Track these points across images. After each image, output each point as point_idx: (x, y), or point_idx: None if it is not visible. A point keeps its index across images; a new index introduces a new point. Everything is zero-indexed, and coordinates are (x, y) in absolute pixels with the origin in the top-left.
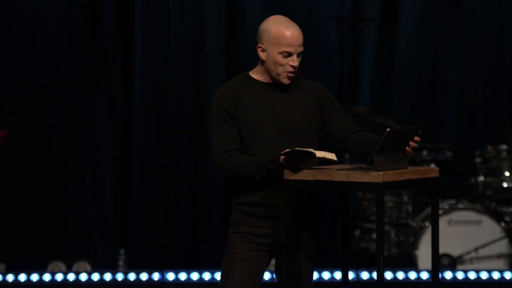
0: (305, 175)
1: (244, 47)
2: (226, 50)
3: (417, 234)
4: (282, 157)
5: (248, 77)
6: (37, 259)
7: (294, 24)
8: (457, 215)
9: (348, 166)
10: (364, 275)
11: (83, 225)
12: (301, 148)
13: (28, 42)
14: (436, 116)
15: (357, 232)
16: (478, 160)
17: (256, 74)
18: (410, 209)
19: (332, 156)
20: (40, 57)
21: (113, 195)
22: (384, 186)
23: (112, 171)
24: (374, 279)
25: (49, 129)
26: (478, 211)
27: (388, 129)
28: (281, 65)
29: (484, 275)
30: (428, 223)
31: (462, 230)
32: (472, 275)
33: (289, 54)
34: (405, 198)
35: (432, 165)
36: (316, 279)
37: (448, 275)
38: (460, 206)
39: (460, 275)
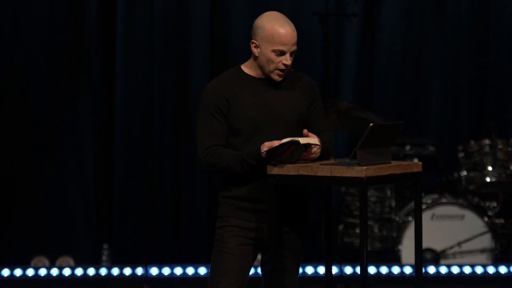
0: (288, 169)
1: (229, 44)
2: (211, 44)
3: (401, 228)
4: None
5: (240, 71)
6: (20, 254)
7: (289, 22)
8: (440, 210)
9: (332, 161)
10: (348, 270)
11: (66, 220)
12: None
13: (10, 37)
14: (419, 111)
15: (341, 227)
16: (461, 155)
17: (248, 69)
18: (393, 203)
19: (315, 140)
20: (22, 52)
21: (96, 190)
22: (367, 181)
23: (96, 166)
24: (357, 273)
25: (32, 124)
26: (461, 205)
27: (371, 124)
28: (273, 62)
29: (467, 270)
30: (411, 218)
31: (445, 224)
32: (455, 270)
33: (282, 53)
34: (388, 193)
35: (415, 160)
36: (300, 274)
37: (431, 269)
38: (443, 200)
39: (443, 270)
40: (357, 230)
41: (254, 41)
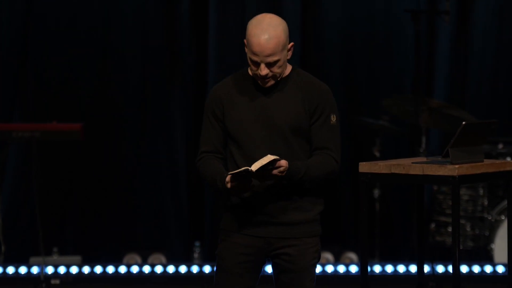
0: (380, 168)
1: (320, 38)
2: (302, 38)
3: (493, 227)
4: (229, 183)
5: (245, 73)
6: (112, 251)
7: (271, 30)
8: None
9: (424, 159)
10: (440, 269)
11: (158, 217)
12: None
13: (103, 35)
14: None
15: (433, 226)
16: None
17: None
18: (485, 202)
19: (267, 158)
20: (115, 50)
21: (188, 187)
22: (459, 180)
23: (187, 163)
24: (449, 272)
25: (124, 122)
26: None
27: (463, 123)
28: (252, 69)
29: None
30: (504, 217)
31: None
32: None
33: (256, 63)
34: (481, 191)
35: (508, 159)
36: (391, 272)
37: None
38: None
39: None
40: (449, 229)
41: (245, 41)
